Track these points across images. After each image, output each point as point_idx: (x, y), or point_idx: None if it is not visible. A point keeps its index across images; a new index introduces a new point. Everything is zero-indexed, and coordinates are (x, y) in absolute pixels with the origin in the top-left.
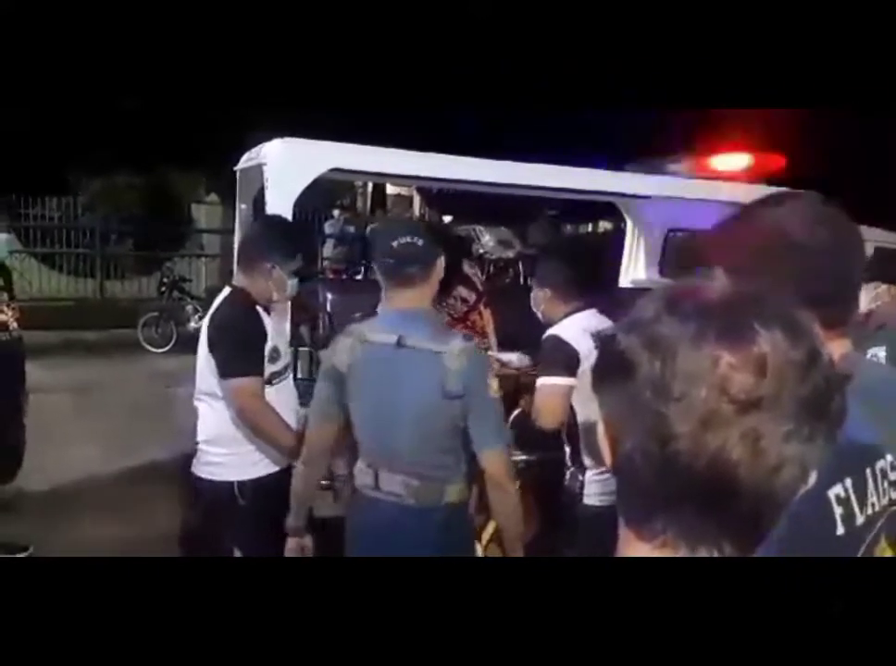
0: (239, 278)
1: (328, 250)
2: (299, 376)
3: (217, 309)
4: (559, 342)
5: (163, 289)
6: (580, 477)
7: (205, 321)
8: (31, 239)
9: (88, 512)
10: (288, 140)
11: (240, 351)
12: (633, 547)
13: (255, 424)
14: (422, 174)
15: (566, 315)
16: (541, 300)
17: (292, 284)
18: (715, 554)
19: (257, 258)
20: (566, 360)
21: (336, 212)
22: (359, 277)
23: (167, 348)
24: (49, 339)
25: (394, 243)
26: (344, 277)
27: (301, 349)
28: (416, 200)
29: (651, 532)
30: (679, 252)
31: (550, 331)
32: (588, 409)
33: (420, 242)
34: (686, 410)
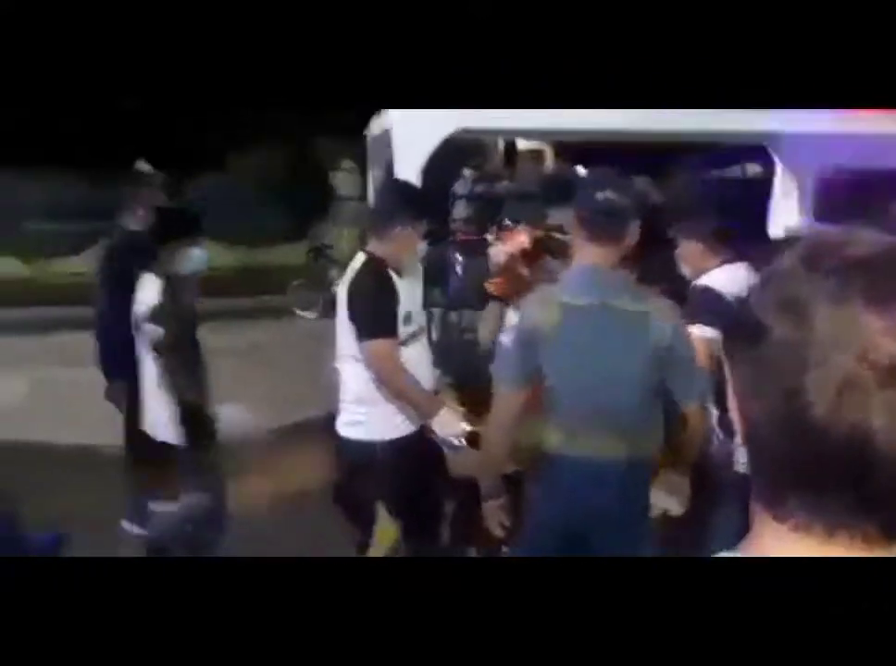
0: (372, 244)
1: (458, 210)
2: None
3: (355, 276)
4: (708, 291)
5: (309, 254)
6: (731, 443)
7: (343, 287)
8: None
9: (248, 468)
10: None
11: (375, 314)
12: (767, 527)
13: (390, 383)
14: (553, 128)
15: (716, 268)
16: (688, 253)
17: (420, 246)
18: (856, 539)
19: (386, 223)
20: (716, 309)
21: (466, 171)
22: (489, 236)
23: (314, 311)
24: (208, 306)
25: (600, 196)
26: (475, 237)
27: (434, 309)
28: (549, 153)
29: (783, 512)
30: (833, 195)
31: (699, 281)
32: None
33: (626, 199)
34: (823, 377)
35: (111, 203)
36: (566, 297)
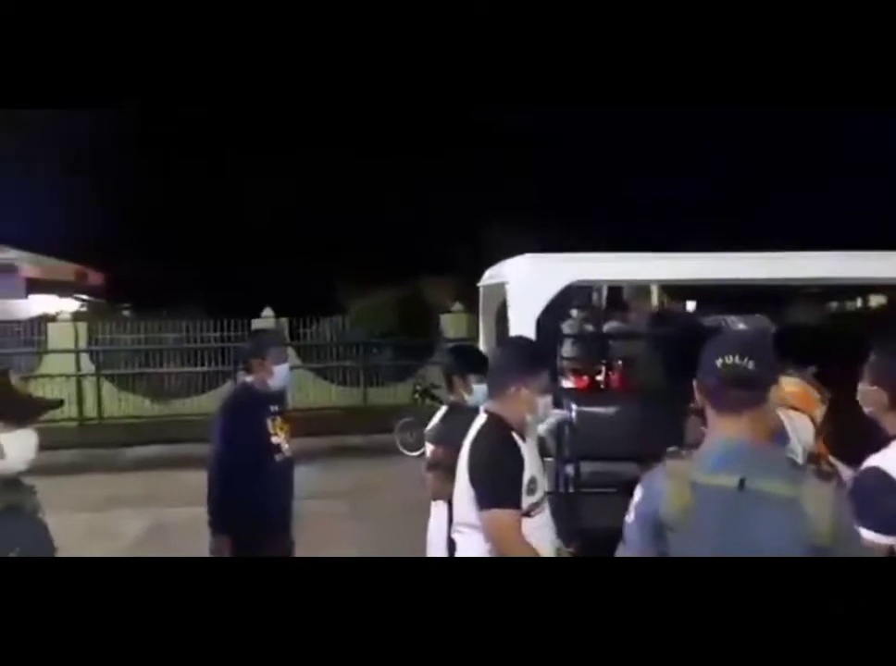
0: (491, 404)
1: (567, 349)
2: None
3: (476, 438)
4: (883, 479)
5: (416, 395)
6: None
7: (465, 450)
8: (307, 355)
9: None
10: (530, 256)
11: (499, 482)
12: None
13: (511, 556)
14: (669, 277)
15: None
16: (873, 401)
17: (544, 403)
18: None
19: (505, 382)
20: (888, 509)
21: (573, 311)
22: (599, 376)
23: (420, 451)
24: (320, 444)
25: (719, 362)
26: (585, 377)
27: (546, 459)
28: (655, 290)
29: None
30: None
31: (872, 461)
32: None
33: (751, 363)
34: None
35: (235, 348)
36: (700, 475)
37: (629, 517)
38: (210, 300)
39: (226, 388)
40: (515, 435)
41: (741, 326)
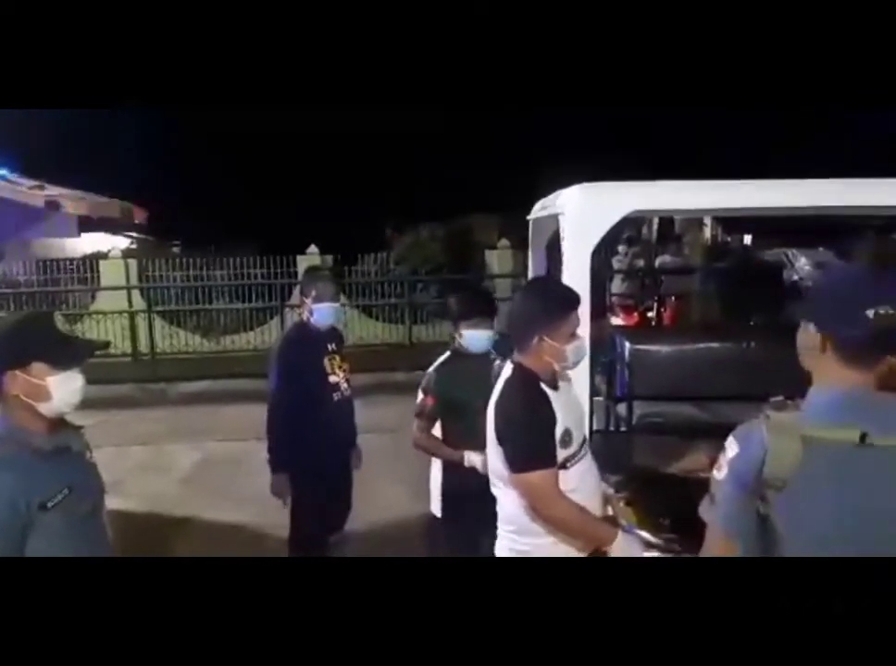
0: (517, 355)
1: (615, 285)
2: (594, 427)
3: (501, 394)
4: None
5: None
6: None
7: (491, 405)
8: (352, 293)
9: (399, 553)
10: (586, 186)
11: (528, 442)
12: None
13: (552, 520)
14: (729, 205)
15: None
16: None
17: (573, 349)
18: None
19: (526, 334)
20: None
21: (622, 247)
22: (651, 312)
23: None
24: (365, 380)
25: (870, 313)
26: (635, 312)
27: (596, 398)
28: (709, 222)
29: None
30: None
31: None
32: None
33: None
34: None
35: (283, 285)
36: (812, 429)
37: (720, 474)
38: (256, 236)
39: (273, 325)
40: (543, 385)
41: (803, 260)
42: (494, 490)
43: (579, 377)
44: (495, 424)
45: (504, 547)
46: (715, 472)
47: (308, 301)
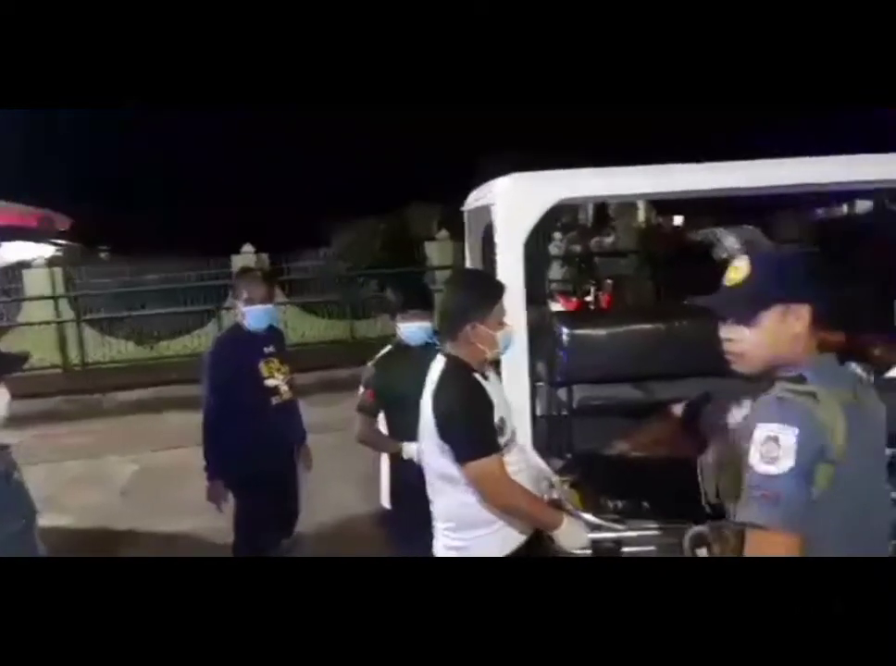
0: (448, 346)
1: (554, 271)
2: (538, 413)
3: (438, 388)
4: None
5: None
6: None
7: (426, 400)
8: (291, 290)
9: (354, 551)
10: (516, 176)
11: (473, 431)
12: None
13: (504, 504)
14: (656, 190)
15: None
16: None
17: (502, 336)
18: None
19: (459, 322)
20: None
21: (558, 233)
22: (589, 297)
23: None
24: (308, 379)
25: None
26: (574, 298)
27: (538, 384)
28: (641, 205)
29: None
30: None
31: None
32: None
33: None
34: None
35: (219, 286)
36: (842, 395)
37: (780, 467)
38: (188, 237)
39: (210, 328)
40: (477, 376)
41: (731, 238)
42: (430, 489)
43: (519, 364)
44: (436, 419)
45: (442, 545)
46: (767, 467)
47: (240, 303)
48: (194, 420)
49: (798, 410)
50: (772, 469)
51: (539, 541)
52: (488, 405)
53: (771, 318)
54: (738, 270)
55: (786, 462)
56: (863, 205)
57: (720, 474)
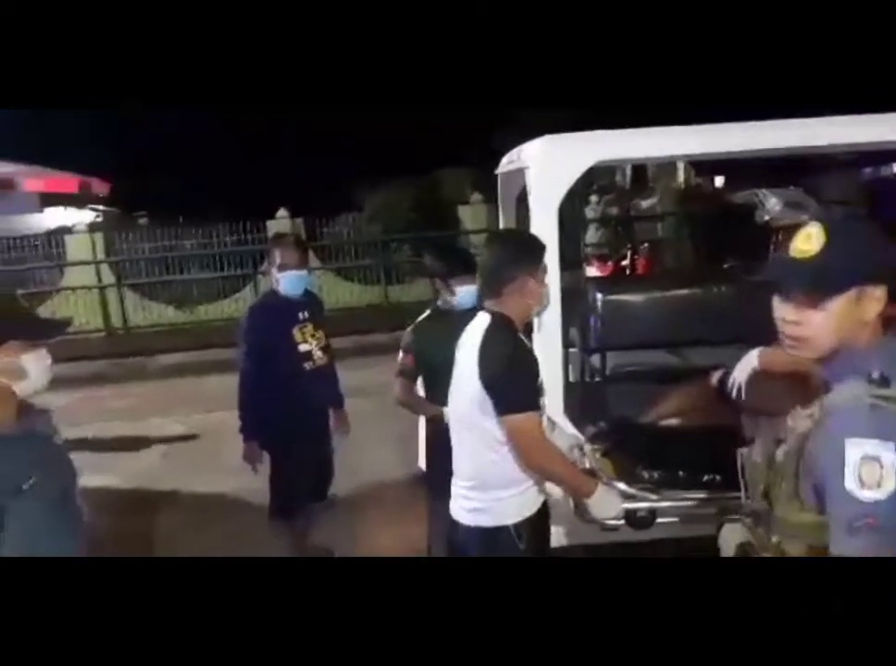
0: (491, 304)
1: (590, 235)
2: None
3: (487, 339)
4: None
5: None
6: None
7: (468, 353)
8: (325, 255)
9: (385, 517)
10: (550, 138)
11: (521, 384)
12: None
13: (542, 465)
14: (697, 151)
15: None
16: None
17: (547, 293)
18: None
19: (509, 277)
20: None
21: (594, 196)
22: (625, 261)
23: None
24: (344, 343)
25: None
26: (609, 262)
27: (571, 350)
28: (681, 166)
29: None
30: None
31: None
32: None
33: None
34: None
35: (255, 251)
36: None
37: (887, 490)
38: (225, 202)
39: (248, 292)
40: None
41: (773, 200)
42: (456, 447)
43: (552, 329)
44: (482, 370)
45: (460, 507)
46: (871, 493)
47: (273, 269)
48: (234, 383)
49: (892, 419)
50: (877, 494)
51: (546, 512)
52: (535, 361)
53: (844, 301)
54: (810, 239)
55: (890, 484)
56: None
57: (773, 478)
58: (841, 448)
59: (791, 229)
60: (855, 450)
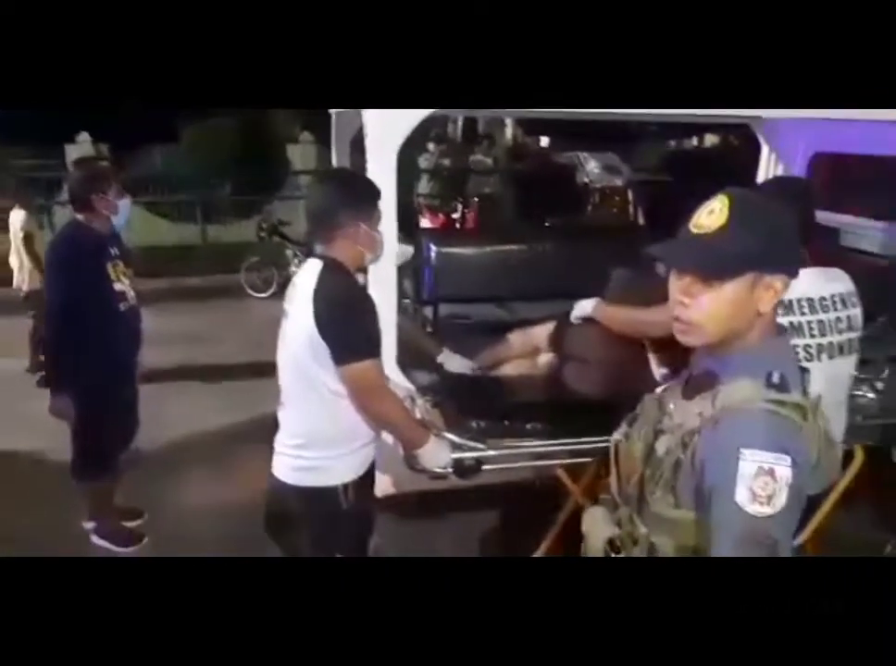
0: (322, 249)
1: (423, 185)
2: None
3: (323, 283)
4: None
5: (262, 233)
6: None
7: (305, 299)
8: (134, 188)
9: (195, 472)
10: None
11: (360, 331)
12: None
13: (380, 413)
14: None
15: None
16: None
17: (381, 240)
18: None
19: (341, 221)
20: None
21: (430, 145)
22: (455, 214)
23: (269, 292)
24: (157, 285)
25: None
26: (441, 214)
27: (404, 301)
28: (510, 124)
29: None
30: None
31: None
32: None
33: None
34: None
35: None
36: (805, 402)
37: (777, 506)
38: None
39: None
40: (360, 278)
41: (592, 163)
42: (284, 402)
43: (387, 278)
44: (317, 318)
45: (286, 465)
46: (761, 508)
47: (109, 196)
48: (15, 326)
49: (789, 429)
50: (767, 510)
51: (372, 470)
52: (372, 308)
53: (738, 285)
54: (713, 214)
55: (781, 499)
56: (711, 139)
57: (650, 471)
58: (734, 457)
59: (605, 190)
60: (749, 461)
